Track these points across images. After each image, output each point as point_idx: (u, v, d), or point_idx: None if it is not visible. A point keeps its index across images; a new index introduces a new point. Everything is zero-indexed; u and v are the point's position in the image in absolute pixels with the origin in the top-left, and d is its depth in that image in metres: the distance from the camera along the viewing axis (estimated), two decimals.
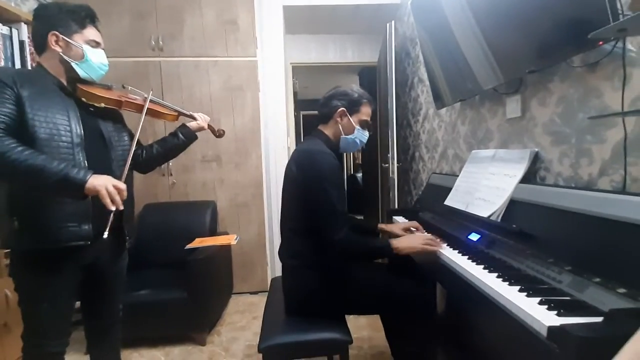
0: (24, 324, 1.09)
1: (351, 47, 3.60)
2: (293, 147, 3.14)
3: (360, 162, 6.64)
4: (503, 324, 0.77)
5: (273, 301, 1.41)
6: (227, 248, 2.38)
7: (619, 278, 0.68)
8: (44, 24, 1.08)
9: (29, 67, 1.87)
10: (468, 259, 1.03)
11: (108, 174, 1.14)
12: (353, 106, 1.34)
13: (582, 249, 0.80)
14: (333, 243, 1.18)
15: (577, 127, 1.05)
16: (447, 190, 1.52)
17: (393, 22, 2.35)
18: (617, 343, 0.43)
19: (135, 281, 1.89)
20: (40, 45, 1.09)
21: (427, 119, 2.35)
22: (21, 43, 1.87)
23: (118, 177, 1.17)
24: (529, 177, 1.15)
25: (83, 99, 1.11)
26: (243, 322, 2.26)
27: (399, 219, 1.74)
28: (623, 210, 0.74)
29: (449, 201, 1.46)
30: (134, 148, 1.20)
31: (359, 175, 6.10)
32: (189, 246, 2.05)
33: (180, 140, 1.36)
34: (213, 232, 2.38)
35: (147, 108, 1.26)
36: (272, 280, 1.64)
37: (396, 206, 2.44)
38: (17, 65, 1.84)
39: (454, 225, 1.32)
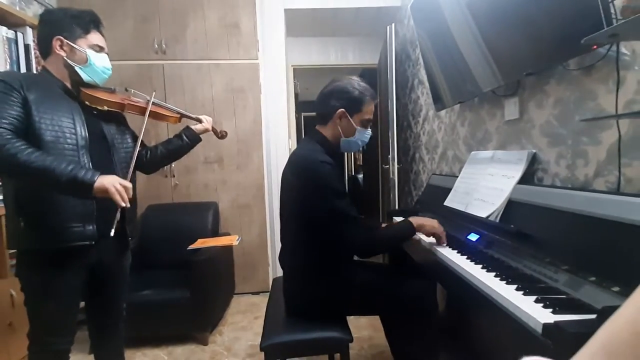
0: (30, 322, 1.11)
1: (352, 49, 3.63)
2: (294, 149, 3.16)
3: (361, 163, 6.66)
4: (501, 322, 0.78)
5: (275, 301, 1.43)
6: (229, 249, 2.40)
7: (613, 277, 0.70)
8: (49, 29, 1.10)
9: (34, 71, 1.89)
10: (467, 258, 1.04)
11: (114, 174, 1.16)
12: (354, 106, 1.23)
13: (578, 249, 0.82)
14: (356, 247, 1.18)
15: (573, 129, 1.07)
16: (446, 191, 1.54)
17: (393, 24, 2.37)
18: None
19: (138, 281, 1.91)
20: (45, 49, 1.11)
21: (427, 120, 2.37)
22: (26, 47, 1.90)
23: (122, 178, 1.19)
24: (526, 178, 1.17)
25: (87, 103, 1.14)
26: (245, 322, 2.28)
27: (400, 219, 1.75)
28: (618, 211, 0.76)
29: (449, 202, 1.48)
30: (137, 150, 1.22)
31: (360, 176, 6.13)
32: (191, 247, 2.07)
33: (185, 142, 1.38)
34: (215, 233, 2.39)
35: (150, 111, 1.27)
36: (274, 280, 1.66)
37: (396, 207, 2.45)
38: (23, 68, 1.87)
39: (453, 226, 1.33)
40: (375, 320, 1.73)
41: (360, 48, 3.62)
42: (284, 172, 1.30)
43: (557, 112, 1.13)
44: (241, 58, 2.57)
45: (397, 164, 2.42)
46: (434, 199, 1.72)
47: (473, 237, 1.16)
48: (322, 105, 1.26)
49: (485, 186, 1.29)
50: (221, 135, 1.53)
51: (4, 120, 0.96)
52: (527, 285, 0.79)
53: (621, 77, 0.88)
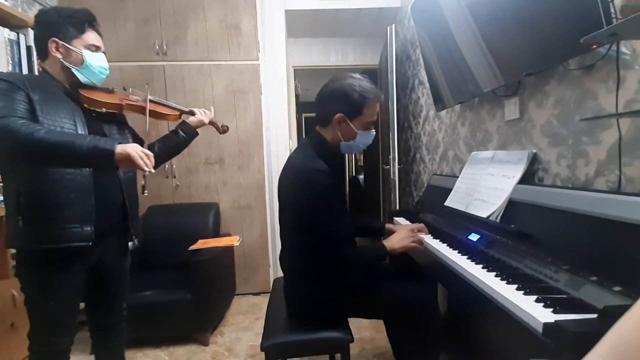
0: (30, 322, 1.11)
1: (352, 50, 3.63)
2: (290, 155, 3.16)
3: (362, 163, 6.66)
4: (501, 321, 0.78)
5: (275, 301, 1.43)
6: (230, 249, 2.40)
7: (614, 276, 0.70)
8: (44, 31, 1.09)
9: (36, 72, 1.90)
10: (467, 258, 1.04)
11: (113, 177, 1.16)
12: (354, 110, 1.17)
13: (579, 249, 0.81)
14: (330, 264, 1.19)
15: (574, 128, 1.07)
16: (447, 191, 1.54)
17: (394, 25, 2.37)
18: None
19: (139, 282, 1.91)
20: (42, 51, 1.11)
21: (427, 121, 2.37)
22: (28, 48, 1.90)
23: (123, 179, 1.20)
24: (527, 178, 1.17)
25: (85, 105, 1.13)
26: (246, 322, 2.28)
27: (400, 220, 1.76)
28: (619, 210, 0.76)
29: (449, 202, 1.48)
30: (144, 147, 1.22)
31: (361, 176, 6.13)
32: (192, 247, 2.08)
33: (181, 137, 1.35)
34: (216, 234, 2.40)
35: (149, 110, 1.26)
36: (275, 281, 1.66)
37: (397, 207, 2.45)
38: (24, 69, 1.87)
39: (454, 226, 1.33)
40: (377, 321, 1.73)
41: (361, 49, 3.62)
42: (280, 177, 1.29)
43: (558, 112, 1.13)
44: (242, 59, 2.58)
45: (398, 165, 2.42)
46: (434, 199, 1.72)
47: (474, 237, 1.16)
48: (320, 107, 1.22)
49: (485, 186, 1.29)
50: (222, 130, 1.51)
51: (16, 112, 0.96)
52: (527, 285, 0.79)
53: (621, 77, 0.88)
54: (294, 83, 3.67)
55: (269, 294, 1.56)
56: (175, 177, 2.58)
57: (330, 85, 1.20)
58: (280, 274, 1.41)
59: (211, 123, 1.45)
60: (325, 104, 1.20)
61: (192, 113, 1.40)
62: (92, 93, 1.15)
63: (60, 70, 1.11)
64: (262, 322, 1.38)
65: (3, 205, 1.41)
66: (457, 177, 1.53)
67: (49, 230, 1.05)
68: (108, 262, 1.22)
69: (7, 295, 1.62)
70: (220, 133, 1.52)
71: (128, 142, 1.23)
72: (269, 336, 1.19)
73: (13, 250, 1.64)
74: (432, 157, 2.30)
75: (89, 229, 1.09)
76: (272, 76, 2.78)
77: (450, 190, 1.52)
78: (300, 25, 3.19)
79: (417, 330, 1.24)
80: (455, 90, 1.69)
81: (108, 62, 1.19)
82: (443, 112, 2.05)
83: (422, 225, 1.45)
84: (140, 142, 1.36)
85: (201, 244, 2.13)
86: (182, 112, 1.40)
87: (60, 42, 1.09)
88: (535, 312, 0.67)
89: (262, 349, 1.16)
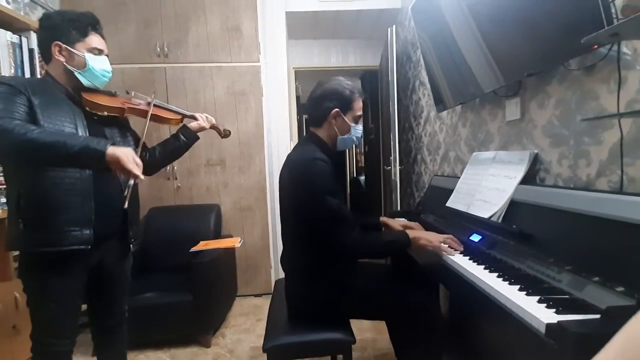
0: (32, 323, 1.12)
1: (353, 51, 3.64)
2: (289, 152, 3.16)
3: (362, 164, 6.65)
4: (504, 322, 0.78)
5: (277, 302, 1.43)
6: (231, 251, 2.40)
7: (617, 277, 0.70)
8: (48, 35, 1.10)
9: (38, 75, 1.91)
10: (469, 259, 1.04)
11: (113, 179, 1.17)
12: (346, 105, 1.28)
13: (581, 249, 0.81)
14: (346, 247, 1.17)
15: (575, 129, 1.06)
16: (448, 192, 1.54)
17: (394, 26, 2.38)
18: None
19: (141, 284, 1.91)
20: (45, 55, 1.12)
21: (428, 121, 2.37)
22: (30, 51, 1.91)
23: (124, 181, 1.20)
24: (528, 179, 1.17)
25: (87, 108, 1.14)
26: (247, 324, 2.28)
27: (401, 220, 1.75)
28: (621, 210, 0.76)
29: (451, 203, 1.48)
30: (139, 152, 1.21)
31: (362, 178, 6.12)
32: (193, 249, 2.08)
33: (182, 141, 1.36)
34: (217, 235, 2.40)
35: (151, 114, 1.27)
36: (276, 282, 1.66)
37: (399, 208, 2.45)
38: (27, 72, 1.88)
39: (455, 227, 1.33)
40: (379, 322, 1.73)
41: (362, 50, 3.63)
42: (280, 174, 1.31)
43: (559, 112, 1.13)
44: (243, 61, 2.58)
45: (399, 166, 2.42)
46: (436, 200, 1.71)
47: (475, 237, 1.16)
48: (315, 108, 1.30)
49: (487, 187, 1.29)
50: (224, 135, 1.51)
51: (15, 114, 0.97)
52: (530, 286, 0.79)
53: (622, 77, 0.88)
54: (294, 84, 3.67)
55: (271, 296, 1.56)
56: (176, 178, 2.59)
57: (321, 88, 1.30)
58: (282, 275, 1.41)
59: (213, 127, 1.44)
60: (320, 104, 1.28)
61: (194, 117, 1.40)
62: (94, 96, 1.15)
63: (63, 73, 1.12)
64: (263, 324, 1.38)
65: (6, 208, 1.41)
66: (459, 177, 1.53)
67: (48, 233, 1.05)
68: (108, 264, 1.22)
69: (9, 298, 1.62)
70: (222, 137, 1.52)
71: (130, 146, 1.24)
72: (271, 338, 1.18)
73: (15, 253, 1.65)
74: (433, 158, 2.30)
75: (88, 232, 1.09)
76: (273, 78, 2.79)
77: (452, 191, 1.52)
78: (301, 26, 3.20)
79: (420, 331, 1.24)
80: (456, 91, 1.69)
81: (110, 64, 1.19)
82: (444, 113, 2.05)
83: (418, 224, 1.43)
84: (143, 146, 1.36)
85: (202, 245, 2.13)
86: (184, 116, 1.40)
87: (64, 45, 1.09)
88: (538, 312, 0.67)
89: (264, 351, 1.16)
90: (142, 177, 1.01)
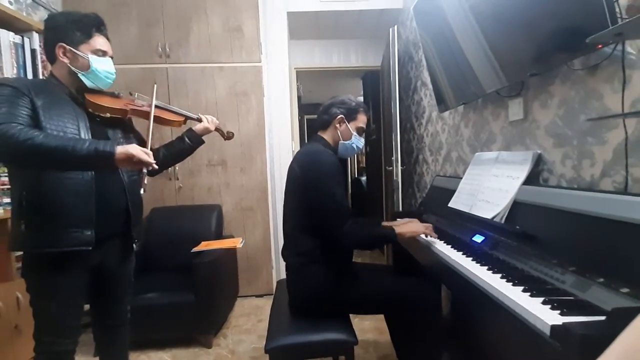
0: (35, 323, 1.12)
1: (355, 51, 3.63)
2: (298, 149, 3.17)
3: (364, 165, 6.64)
4: (507, 324, 0.77)
5: (279, 303, 1.43)
6: (232, 251, 2.40)
7: (622, 278, 0.69)
8: (52, 36, 1.10)
9: (41, 75, 1.91)
10: (472, 260, 1.04)
11: (116, 180, 1.17)
12: (351, 114, 1.42)
13: (585, 250, 0.81)
14: (339, 235, 1.25)
15: (579, 129, 1.06)
16: (451, 192, 1.53)
17: (396, 26, 2.37)
18: None
19: (142, 284, 1.91)
20: (50, 56, 1.12)
21: (430, 122, 2.36)
22: (32, 51, 1.92)
23: (127, 182, 1.20)
24: (532, 179, 1.16)
25: (90, 110, 1.14)
26: (249, 324, 2.28)
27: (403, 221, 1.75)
28: (625, 211, 0.75)
29: (453, 203, 1.47)
30: (150, 141, 1.19)
31: (363, 178, 6.11)
32: (195, 249, 2.08)
33: (187, 144, 1.37)
34: (219, 236, 2.40)
35: (154, 115, 1.27)
36: (278, 282, 1.66)
37: (400, 209, 2.45)
38: (29, 73, 1.89)
39: (458, 227, 1.33)
40: (381, 323, 1.73)
41: (363, 50, 3.62)
42: (290, 167, 1.41)
43: (562, 112, 1.13)
44: (244, 61, 2.58)
45: (401, 166, 2.41)
46: (438, 200, 1.71)
47: (478, 238, 1.15)
48: (324, 113, 1.46)
49: (489, 187, 1.28)
50: (227, 137, 1.52)
51: (18, 118, 0.98)
52: (534, 287, 0.78)
53: (627, 76, 0.87)
54: (296, 85, 3.67)
55: (272, 296, 1.56)
56: (178, 179, 2.59)
57: (331, 99, 1.48)
58: (284, 276, 1.41)
59: (217, 130, 1.45)
60: (328, 110, 1.45)
61: (198, 120, 1.41)
62: (97, 98, 1.15)
63: (67, 74, 1.12)
64: (265, 325, 1.38)
65: (9, 208, 1.41)
66: (461, 178, 1.53)
67: (50, 234, 1.06)
68: (110, 264, 1.22)
69: (11, 298, 1.62)
70: (225, 139, 1.53)
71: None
72: (273, 338, 1.18)
73: (17, 253, 1.65)
74: (435, 158, 2.30)
75: (89, 233, 1.09)
76: (275, 78, 2.79)
77: (454, 191, 1.51)
78: (302, 27, 3.20)
79: (418, 328, 1.27)
80: (458, 91, 1.68)
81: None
82: (446, 113, 2.05)
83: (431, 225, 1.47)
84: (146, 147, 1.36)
85: (204, 246, 2.13)
86: (187, 118, 1.40)
87: (68, 47, 1.09)
88: (543, 314, 0.67)
89: (266, 352, 1.15)
90: (155, 165, 1.06)
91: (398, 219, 1.81)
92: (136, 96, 1.30)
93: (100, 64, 1.13)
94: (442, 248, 1.19)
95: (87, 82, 1.13)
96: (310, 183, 1.28)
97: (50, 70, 1.14)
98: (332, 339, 1.17)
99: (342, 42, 3.60)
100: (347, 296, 1.29)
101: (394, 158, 2.42)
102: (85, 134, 1.09)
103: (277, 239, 2.76)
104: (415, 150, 2.73)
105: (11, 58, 1.81)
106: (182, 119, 1.39)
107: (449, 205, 1.48)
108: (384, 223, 1.55)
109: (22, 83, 1.04)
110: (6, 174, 1.59)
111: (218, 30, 2.56)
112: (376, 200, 3.82)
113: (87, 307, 1.23)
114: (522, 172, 1.16)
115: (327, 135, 1.44)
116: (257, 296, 2.70)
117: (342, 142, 1.42)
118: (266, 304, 2.52)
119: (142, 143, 1.27)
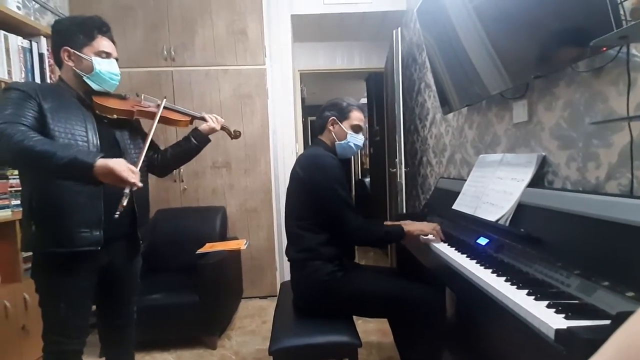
0: (43, 323, 1.13)
1: (358, 53, 3.64)
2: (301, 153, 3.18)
3: (368, 167, 6.63)
4: (512, 327, 0.77)
5: (283, 305, 1.43)
6: (237, 253, 2.41)
7: (627, 281, 0.69)
8: (57, 40, 1.12)
9: (48, 79, 1.94)
10: (476, 263, 1.03)
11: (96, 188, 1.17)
12: (342, 114, 1.46)
13: (590, 253, 0.80)
14: (351, 231, 1.31)
15: (584, 131, 1.05)
16: (455, 194, 1.53)
17: (399, 28, 2.38)
18: None
19: (147, 285, 1.91)
20: (57, 60, 1.14)
21: (434, 124, 2.36)
22: (40, 56, 1.95)
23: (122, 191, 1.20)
24: (536, 181, 1.16)
25: (97, 111, 1.15)
26: (253, 326, 2.28)
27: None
28: (631, 214, 0.74)
29: (457, 205, 1.47)
30: (144, 152, 1.19)
31: (367, 180, 6.10)
32: (199, 251, 2.09)
33: (193, 144, 1.37)
34: (223, 237, 2.41)
35: (160, 116, 1.28)
36: (282, 284, 1.66)
37: (404, 211, 2.44)
38: (37, 77, 1.91)
39: (462, 230, 1.33)
40: (384, 325, 1.72)
41: (367, 52, 3.63)
42: (293, 169, 1.45)
43: (567, 115, 1.12)
44: (248, 64, 2.60)
45: (405, 168, 2.41)
46: (442, 202, 1.71)
47: (482, 241, 1.15)
48: (319, 117, 1.52)
49: (494, 189, 1.28)
50: (234, 136, 1.52)
51: (22, 119, 0.99)
52: (538, 290, 0.78)
53: (632, 79, 0.87)
54: (300, 87, 3.69)
55: (276, 298, 1.56)
56: (182, 180, 2.61)
57: (326, 103, 1.53)
58: (287, 277, 1.42)
59: (223, 129, 1.45)
60: (322, 114, 1.50)
61: (203, 119, 1.41)
62: (104, 100, 1.16)
63: (73, 77, 1.14)
64: (269, 326, 1.39)
65: (17, 210, 1.43)
66: (465, 180, 1.52)
67: (59, 235, 1.07)
68: (117, 265, 1.24)
69: (19, 299, 1.64)
70: (232, 138, 1.53)
71: (140, 149, 1.24)
72: (277, 340, 1.19)
73: (25, 254, 1.67)
74: (439, 160, 2.29)
75: (98, 233, 1.10)
76: (279, 80, 2.80)
77: (458, 193, 1.51)
78: (306, 29, 3.21)
79: (422, 329, 1.27)
80: (462, 93, 1.68)
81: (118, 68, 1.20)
82: (450, 115, 2.04)
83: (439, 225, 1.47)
84: (155, 148, 1.37)
85: (208, 247, 2.14)
86: (193, 117, 1.41)
87: (72, 50, 1.11)
88: (547, 318, 0.67)
89: (270, 353, 1.16)
90: (139, 184, 1.01)
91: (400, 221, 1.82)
92: (143, 97, 1.31)
93: (103, 66, 1.14)
94: (446, 250, 1.19)
95: (93, 85, 1.14)
96: (316, 187, 1.32)
97: (59, 75, 1.16)
98: (336, 341, 1.18)
99: (345, 44, 3.61)
100: (351, 292, 1.29)
101: (397, 160, 2.41)
102: (92, 136, 1.11)
103: (281, 241, 2.77)
104: (419, 152, 2.73)
105: (19, 62, 1.84)
106: (189, 118, 1.40)
107: (453, 207, 1.48)
108: (387, 223, 1.55)
109: (30, 86, 1.06)
110: (15, 176, 1.62)
111: (223, 33, 2.58)
112: (380, 202, 3.81)
113: (92, 307, 1.25)
114: (527, 175, 1.15)
115: (325, 138, 1.49)
116: (261, 297, 2.70)
117: (338, 142, 1.46)
118: (270, 305, 2.52)
119: (152, 145, 1.28)
